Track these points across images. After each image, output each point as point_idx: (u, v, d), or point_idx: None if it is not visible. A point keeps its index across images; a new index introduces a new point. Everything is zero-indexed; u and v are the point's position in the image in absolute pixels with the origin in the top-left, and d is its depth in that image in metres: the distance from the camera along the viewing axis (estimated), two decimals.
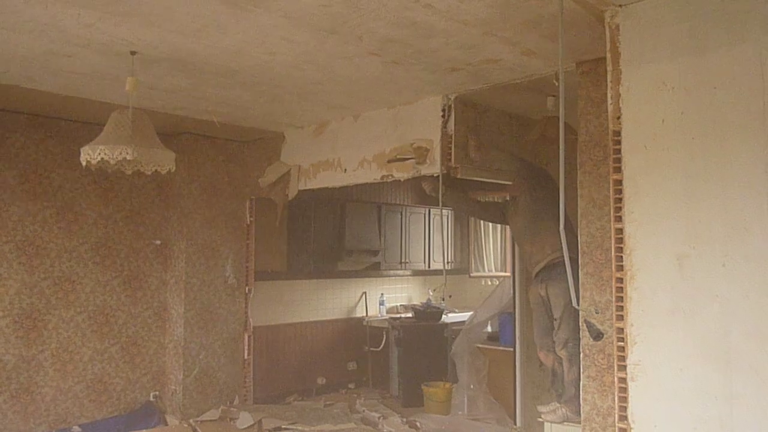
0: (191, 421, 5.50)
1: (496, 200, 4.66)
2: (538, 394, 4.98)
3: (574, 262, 3.49)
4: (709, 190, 2.56)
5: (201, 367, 5.89)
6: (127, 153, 3.29)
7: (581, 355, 3.52)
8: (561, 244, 3.79)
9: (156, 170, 3.60)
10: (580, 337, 3.53)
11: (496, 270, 8.66)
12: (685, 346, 2.58)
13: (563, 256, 3.84)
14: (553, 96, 4.33)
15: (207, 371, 5.94)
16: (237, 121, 5.38)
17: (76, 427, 5.29)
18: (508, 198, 4.63)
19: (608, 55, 2.90)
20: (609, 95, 2.88)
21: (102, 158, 3.37)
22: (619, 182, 2.82)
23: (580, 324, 3.53)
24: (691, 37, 2.63)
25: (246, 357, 6.23)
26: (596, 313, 3.45)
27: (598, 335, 3.40)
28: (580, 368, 3.57)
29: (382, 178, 4.86)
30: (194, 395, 5.83)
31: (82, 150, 3.46)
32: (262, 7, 2.96)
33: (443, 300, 7.83)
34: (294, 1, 2.89)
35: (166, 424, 5.62)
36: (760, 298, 2.41)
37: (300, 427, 5.27)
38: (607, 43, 2.91)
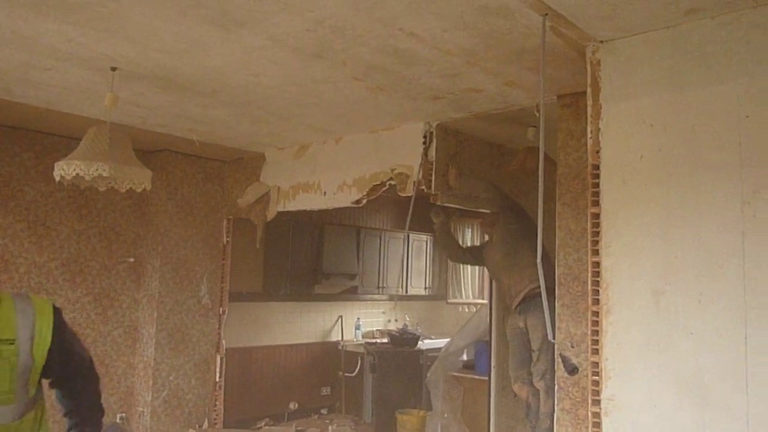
0: None
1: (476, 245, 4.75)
2: (513, 424, 4.94)
3: (551, 293, 3.49)
4: (686, 226, 2.58)
5: (171, 389, 5.75)
6: (103, 170, 3.24)
7: (556, 387, 3.50)
8: (533, 276, 3.81)
9: (131, 188, 3.54)
10: (555, 369, 3.52)
11: (474, 297, 8.65)
12: (659, 381, 2.58)
13: (536, 293, 3.86)
14: (534, 127, 4.37)
15: (177, 393, 5.80)
16: (217, 140, 5.34)
17: None
18: (486, 239, 4.69)
19: (589, 90, 2.93)
20: (589, 129, 2.91)
21: (77, 174, 3.32)
22: (597, 216, 2.84)
23: (555, 357, 3.52)
24: (671, 75, 2.68)
25: (218, 379, 6.11)
26: (572, 347, 3.44)
27: (573, 370, 3.39)
28: (553, 401, 3.55)
29: (364, 195, 4.86)
30: (162, 418, 5.68)
31: (56, 165, 3.40)
32: (247, 29, 2.95)
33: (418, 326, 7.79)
34: (280, 25, 2.88)
35: None
36: (734, 336, 2.42)
37: None
38: (588, 78, 2.95)
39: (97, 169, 3.25)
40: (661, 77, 2.71)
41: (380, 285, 7.65)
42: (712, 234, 2.51)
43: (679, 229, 2.60)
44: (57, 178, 3.39)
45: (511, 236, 4.30)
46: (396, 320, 8.07)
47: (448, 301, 8.58)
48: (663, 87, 2.70)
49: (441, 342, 6.95)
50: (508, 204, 4.42)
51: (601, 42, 2.88)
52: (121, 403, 5.75)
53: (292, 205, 5.50)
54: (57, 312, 2.05)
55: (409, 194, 4.51)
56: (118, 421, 5.68)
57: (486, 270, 5.33)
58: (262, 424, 6.41)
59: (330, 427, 6.35)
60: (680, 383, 2.53)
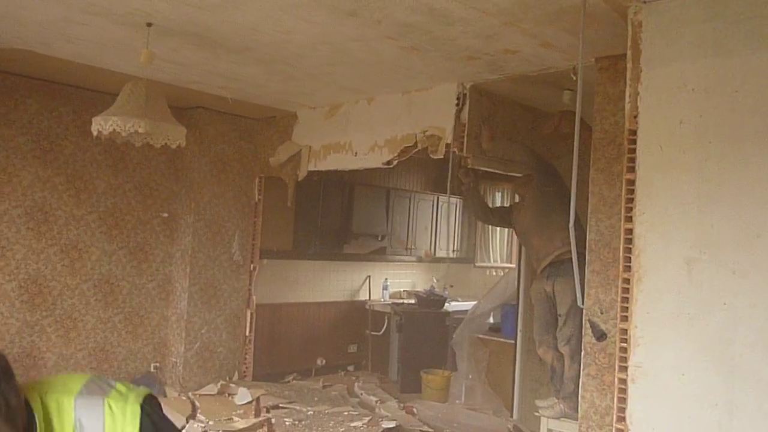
0: (190, 394, 5.55)
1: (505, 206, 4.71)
2: (537, 387, 4.98)
3: (582, 258, 3.47)
4: (723, 194, 2.53)
5: (202, 342, 5.92)
6: (139, 126, 3.28)
7: (582, 353, 3.51)
8: (570, 239, 3.78)
9: (166, 144, 3.59)
10: (583, 335, 3.52)
11: (502, 261, 8.65)
12: (689, 351, 2.56)
13: (565, 259, 3.86)
14: (570, 90, 4.28)
15: (208, 346, 5.97)
16: (250, 98, 5.36)
17: None
18: (517, 200, 4.65)
19: (629, 53, 2.85)
20: (627, 93, 2.84)
21: (113, 129, 3.37)
22: (632, 182, 2.79)
23: (584, 323, 3.51)
24: (715, 39, 2.58)
25: (248, 334, 6.26)
26: (601, 313, 3.43)
27: (601, 336, 3.39)
28: (581, 365, 3.57)
29: (395, 157, 4.84)
30: (194, 369, 5.87)
31: (94, 120, 3.46)
32: None
33: (446, 288, 7.84)
34: None
35: (166, 396, 5.67)
36: None
37: (298, 407, 5.30)
38: (628, 40, 2.86)
39: (133, 125, 3.30)
40: (705, 40, 2.62)
41: (408, 246, 7.69)
42: (751, 204, 2.45)
43: (716, 198, 2.54)
44: (94, 133, 3.45)
45: (544, 199, 4.24)
46: (437, 280, 8.08)
47: (476, 264, 8.59)
48: (707, 50, 2.61)
49: (467, 305, 6.99)
50: (543, 167, 4.36)
51: (644, 2, 2.78)
52: (155, 354, 5.94)
53: (323, 165, 5.52)
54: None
55: (440, 156, 4.48)
56: (152, 370, 5.88)
57: (515, 234, 5.33)
58: (290, 378, 6.58)
59: (356, 384, 6.49)
60: (710, 353, 2.51)
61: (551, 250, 4.12)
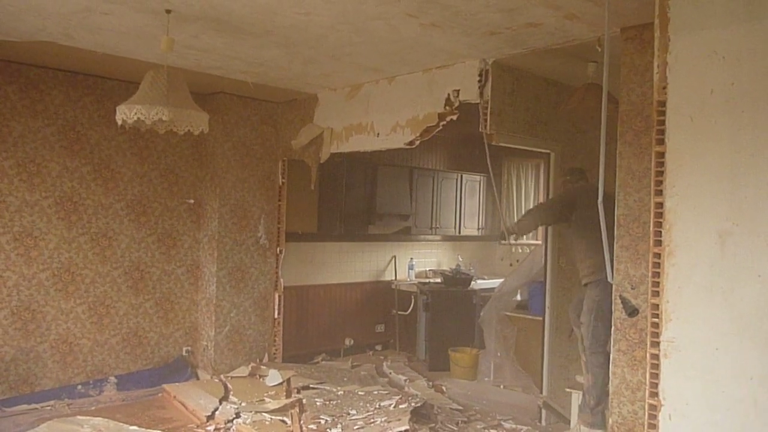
0: (222, 376, 5.63)
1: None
2: (566, 364, 4.97)
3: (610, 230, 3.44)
4: (757, 165, 2.47)
5: (232, 325, 6.00)
6: (163, 114, 3.30)
7: (612, 328, 3.48)
8: (590, 269, 4.09)
9: (189, 130, 3.60)
10: (613, 310, 3.49)
11: (528, 238, 8.58)
12: (722, 324, 2.53)
13: (594, 281, 4.04)
14: (594, 62, 4.20)
15: (238, 329, 6.05)
16: (271, 81, 5.35)
17: (112, 378, 5.47)
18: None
19: (656, 21, 2.78)
20: (655, 64, 2.77)
21: (138, 118, 3.39)
22: (662, 155, 2.74)
23: (614, 299, 3.48)
24: (748, 3, 2.50)
25: (276, 316, 6.33)
26: (631, 288, 3.39)
27: (633, 311, 3.35)
28: (595, 378, 3.82)
29: (418, 137, 4.79)
30: (225, 352, 5.96)
31: (118, 109, 3.48)
32: None
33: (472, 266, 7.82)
34: None
35: (198, 379, 5.78)
36: None
37: (327, 387, 5.35)
38: (655, 8, 2.79)
39: (157, 113, 3.31)
40: (736, 6, 2.54)
41: (433, 225, 7.67)
42: None
43: (749, 168, 2.48)
44: (119, 122, 3.48)
45: (570, 228, 4.35)
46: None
47: (501, 242, 8.54)
48: (738, 16, 2.53)
49: (494, 282, 6.97)
50: (561, 203, 4.43)
51: None
52: (187, 338, 6.04)
53: (345, 147, 5.50)
54: None
55: None
56: (184, 354, 5.99)
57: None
58: (319, 359, 6.65)
59: (384, 363, 6.53)
60: (744, 327, 2.47)
61: (581, 277, 4.22)
